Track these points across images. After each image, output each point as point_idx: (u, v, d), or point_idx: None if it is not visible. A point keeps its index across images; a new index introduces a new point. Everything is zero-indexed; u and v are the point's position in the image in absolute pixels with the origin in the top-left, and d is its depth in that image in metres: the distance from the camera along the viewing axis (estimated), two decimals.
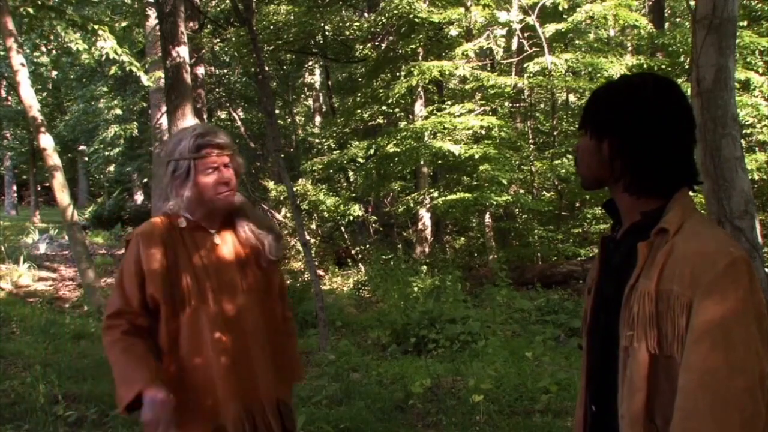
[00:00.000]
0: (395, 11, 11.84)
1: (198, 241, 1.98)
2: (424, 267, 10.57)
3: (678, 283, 1.19)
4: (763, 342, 1.16)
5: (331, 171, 13.89)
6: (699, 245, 1.20)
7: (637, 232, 1.32)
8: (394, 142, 11.27)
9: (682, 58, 11.22)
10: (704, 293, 1.16)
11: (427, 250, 12.50)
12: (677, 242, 1.23)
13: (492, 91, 11.35)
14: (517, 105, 12.83)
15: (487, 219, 11.70)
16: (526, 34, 11.36)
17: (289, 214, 12.94)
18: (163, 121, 13.65)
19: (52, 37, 13.11)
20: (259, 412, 1.95)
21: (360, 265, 12.05)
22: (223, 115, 20.16)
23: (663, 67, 10.81)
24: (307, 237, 8.90)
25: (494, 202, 10.56)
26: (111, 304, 1.96)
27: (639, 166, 1.31)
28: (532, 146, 12.11)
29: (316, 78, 19.70)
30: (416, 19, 11.64)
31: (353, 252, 12.75)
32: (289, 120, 20.14)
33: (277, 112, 16.69)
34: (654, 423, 1.23)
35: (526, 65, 11.26)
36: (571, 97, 14.92)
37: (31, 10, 9.24)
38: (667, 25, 14.88)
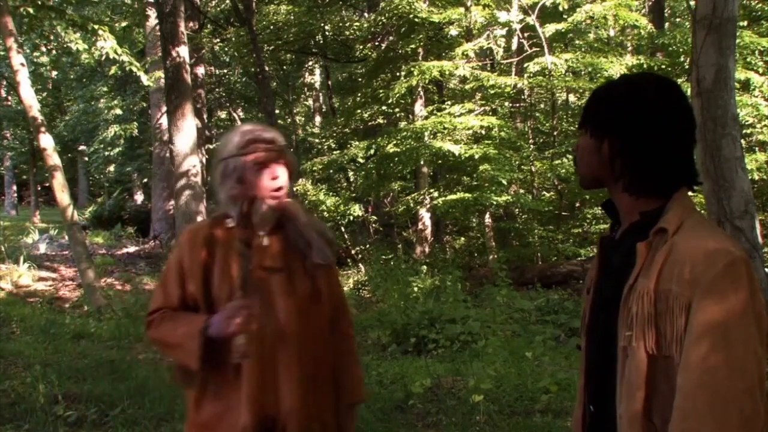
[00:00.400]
0: (395, 11, 11.85)
1: (244, 241, 1.89)
2: (424, 267, 10.57)
3: (677, 282, 1.19)
4: (762, 342, 1.16)
5: (331, 171, 13.90)
6: (698, 245, 1.20)
7: (636, 232, 1.31)
8: (394, 142, 11.27)
9: (682, 58, 11.22)
10: (703, 293, 1.16)
11: (427, 250, 12.50)
12: (676, 242, 1.23)
13: (492, 91, 11.36)
14: (517, 105, 12.83)
15: (487, 219, 11.70)
16: (526, 34, 11.36)
17: None
18: (163, 121, 13.66)
19: (52, 37, 13.13)
20: (274, 425, 1.79)
21: (360, 265, 12.05)
22: (223, 115, 20.18)
23: (663, 67, 10.81)
24: None
25: (494, 202, 10.56)
26: (153, 301, 1.92)
27: (639, 165, 1.31)
28: (532, 146, 12.11)
29: (316, 78, 19.72)
30: (416, 19, 11.65)
31: (353, 252, 12.76)
32: (289, 120, 20.15)
33: (277, 112, 16.70)
34: (652, 423, 1.22)
35: (526, 65, 11.26)
36: (571, 97, 14.93)
37: (31, 10, 9.24)
38: (667, 25, 14.89)
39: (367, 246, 13.08)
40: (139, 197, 23.09)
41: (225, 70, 19.83)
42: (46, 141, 8.18)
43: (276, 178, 1.86)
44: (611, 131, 1.33)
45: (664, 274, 1.21)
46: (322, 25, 14.95)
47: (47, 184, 18.27)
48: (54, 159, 8.20)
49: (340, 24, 15.45)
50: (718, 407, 1.12)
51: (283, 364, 1.81)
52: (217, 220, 1.93)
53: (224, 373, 1.79)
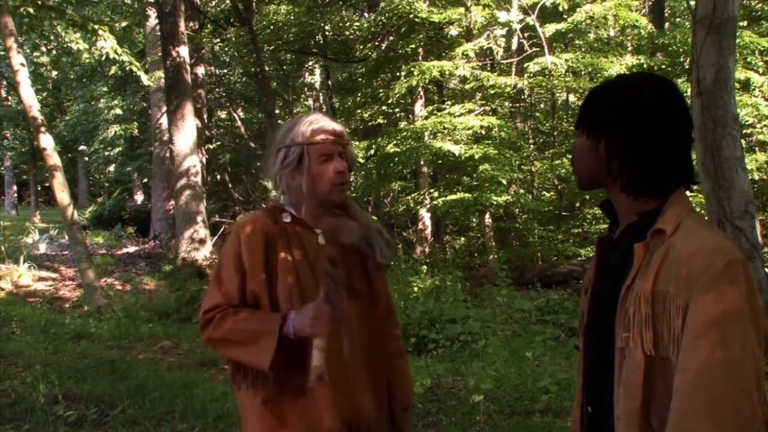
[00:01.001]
0: (395, 11, 11.85)
1: (302, 239, 1.79)
2: (424, 267, 10.57)
3: (674, 284, 1.19)
4: (760, 343, 1.16)
5: None
6: (696, 246, 1.20)
7: (634, 233, 1.31)
8: (394, 142, 11.28)
9: (682, 58, 11.22)
10: (701, 294, 1.16)
11: (427, 250, 12.50)
12: (674, 243, 1.22)
13: (492, 91, 11.37)
14: (517, 105, 12.84)
15: (487, 219, 11.71)
16: (526, 34, 11.37)
17: None
18: (163, 121, 13.67)
19: (52, 37, 13.13)
20: (363, 429, 1.77)
21: None
22: (223, 115, 20.17)
23: (663, 67, 10.81)
24: None
25: (494, 202, 10.56)
26: (209, 298, 1.78)
27: (637, 165, 1.30)
28: (532, 146, 12.12)
29: (316, 78, 19.71)
30: (416, 19, 11.66)
31: None
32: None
33: (277, 112, 16.70)
34: (650, 424, 1.22)
35: (526, 65, 11.27)
36: (571, 97, 14.93)
37: (31, 10, 9.24)
38: (667, 25, 14.89)
39: None
40: (139, 197, 23.09)
41: (225, 70, 19.83)
42: (46, 141, 8.18)
43: (341, 172, 1.79)
44: (608, 131, 1.32)
45: (662, 276, 1.21)
46: (322, 25, 14.95)
47: (47, 184, 18.27)
48: (54, 159, 8.20)
49: (340, 24, 15.45)
50: (715, 408, 1.12)
51: (354, 371, 1.76)
52: (271, 212, 1.84)
53: (295, 376, 1.70)
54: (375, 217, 14.25)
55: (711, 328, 1.14)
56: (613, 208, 1.40)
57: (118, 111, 20.44)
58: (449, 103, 12.24)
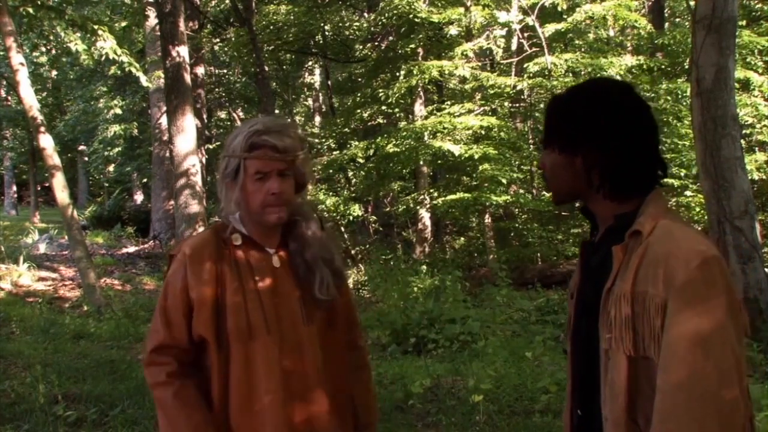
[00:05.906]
0: (395, 11, 11.86)
1: (253, 262, 1.66)
2: (424, 267, 10.57)
3: (652, 284, 1.20)
4: (739, 338, 1.17)
5: (331, 171, 13.91)
6: (671, 246, 1.21)
7: (613, 236, 1.32)
8: (394, 142, 11.28)
9: (681, 58, 11.23)
10: (678, 293, 1.17)
11: (427, 250, 12.50)
12: (651, 244, 1.23)
13: (492, 91, 11.38)
14: (517, 105, 12.85)
15: (487, 219, 11.71)
16: (525, 34, 11.38)
17: None
18: (163, 121, 13.67)
19: (51, 37, 13.14)
20: None
21: (360, 265, 12.05)
22: (223, 115, 20.19)
23: (663, 67, 10.82)
24: None
25: (494, 202, 10.57)
26: (154, 333, 1.66)
27: (618, 171, 1.30)
28: (532, 146, 12.12)
29: (316, 78, 19.72)
30: (416, 19, 11.67)
31: (353, 252, 12.76)
32: (289, 120, 20.14)
33: (277, 112, 16.71)
34: (636, 423, 1.23)
35: (526, 65, 11.27)
36: None
37: (30, 10, 9.25)
38: (667, 25, 14.90)
39: (367, 246, 13.08)
40: (138, 197, 23.09)
41: (225, 70, 19.84)
42: (46, 141, 8.18)
43: (274, 194, 1.62)
44: (584, 144, 1.32)
45: (640, 276, 1.22)
46: (322, 25, 14.97)
47: (47, 184, 18.27)
48: (54, 159, 8.20)
49: (340, 24, 15.47)
50: (697, 407, 1.12)
51: (315, 401, 1.67)
52: (219, 233, 1.69)
53: None
54: (375, 217, 14.28)
55: (690, 327, 1.15)
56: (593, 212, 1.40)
57: (118, 111, 20.44)
58: (449, 103, 12.25)
